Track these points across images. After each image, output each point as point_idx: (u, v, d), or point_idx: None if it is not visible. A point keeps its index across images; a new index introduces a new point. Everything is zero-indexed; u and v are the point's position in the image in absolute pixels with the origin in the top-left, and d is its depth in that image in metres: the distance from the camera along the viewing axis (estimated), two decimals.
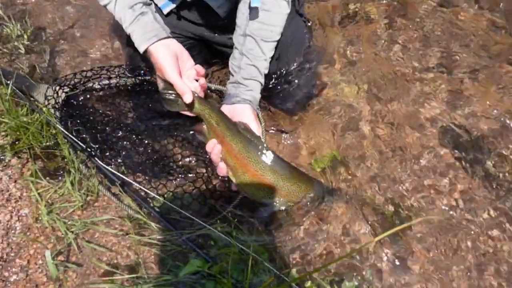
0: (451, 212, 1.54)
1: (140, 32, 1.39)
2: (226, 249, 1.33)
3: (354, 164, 1.66)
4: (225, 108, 1.44)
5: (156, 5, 1.61)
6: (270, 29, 1.46)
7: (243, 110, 1.42)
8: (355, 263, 1.41)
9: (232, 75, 1.51)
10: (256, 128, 1.39)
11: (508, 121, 1.80)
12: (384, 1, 2.29)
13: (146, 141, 1.58)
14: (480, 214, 1.54)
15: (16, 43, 1.99)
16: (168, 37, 1.40)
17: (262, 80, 1.50)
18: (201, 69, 1.41)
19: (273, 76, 1.69)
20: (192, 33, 1.70)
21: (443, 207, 1.56)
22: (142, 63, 1.65)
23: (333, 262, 1.38)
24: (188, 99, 1.34)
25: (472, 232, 1.50)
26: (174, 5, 1.60)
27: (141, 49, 1.39)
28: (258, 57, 1.46)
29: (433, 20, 2.21)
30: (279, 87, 1.73)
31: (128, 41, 1.72)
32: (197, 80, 1.40)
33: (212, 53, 1.83)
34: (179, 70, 1.37)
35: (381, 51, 2.07)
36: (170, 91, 1.39)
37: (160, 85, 1.42)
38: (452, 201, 1.57)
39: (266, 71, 1.51)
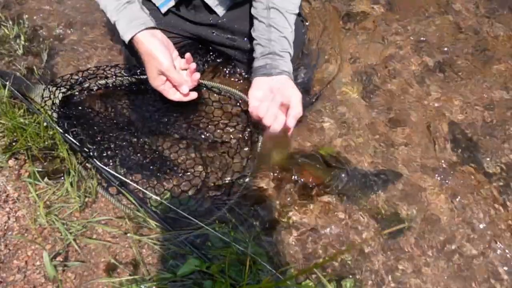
0: (452, 212, 1.54)
1: (127, 20, 1.38)
2: (224, 250, 1.32)
3: (352, 162, 1.65)
4: (264, 80, 1.39)
5: (154, 4, 1.60)
6: (292, 1, 1.46)
7: (286, 81, 1.38)
8: (354, 262, 1.40)
9: (264, 47, 1.45)
10: (298, 95, 1.35)
11: (507, 118, 1.80)
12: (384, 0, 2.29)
13: (143, 141, 1.57)
14: (480, 213, 1.54)
15: (13, 44, 1.99)
16: (155, 28, 1.41)
17: (292, 52, 1.48)
18: (190, 56, 1.42)
19: None
20: (189, 32, 1.70)
21: (445, 205, 1.55)
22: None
23: (324, 262, 1.38)
24: (185, 90, 1.39)
25: (471, 231, 1.50)
26: (173, 2, 1.59)
27: (126, 37, 1.38)
28: (286, 29, 1.45)
29: (434, 18, 2.20)
30: None
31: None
32: (186, 69, 1.43)
33: (209, 52, 1.82)
34: (172, 60, 1.38)
35: (381, 49, 2.06)
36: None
37: (152, 75, 1.41)
38: (452, 199, 1.57)
39: (292, 44, 1.49)
